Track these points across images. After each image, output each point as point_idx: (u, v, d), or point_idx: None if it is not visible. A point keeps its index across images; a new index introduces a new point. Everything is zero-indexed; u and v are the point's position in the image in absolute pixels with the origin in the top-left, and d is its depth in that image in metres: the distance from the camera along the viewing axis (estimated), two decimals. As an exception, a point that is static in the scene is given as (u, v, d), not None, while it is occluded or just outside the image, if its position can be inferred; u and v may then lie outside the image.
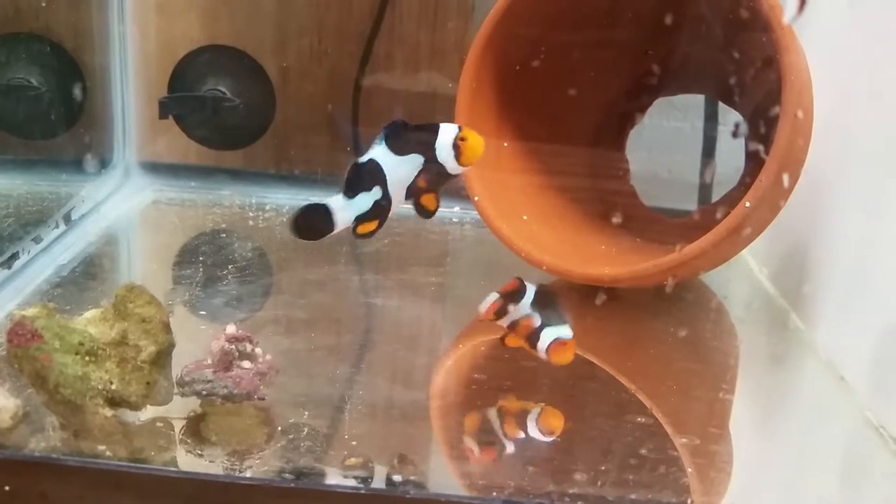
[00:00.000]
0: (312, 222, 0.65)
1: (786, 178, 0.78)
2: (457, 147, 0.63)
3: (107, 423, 0.61)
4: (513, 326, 0.69)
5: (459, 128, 0.64)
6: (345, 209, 0.64)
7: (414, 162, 0.64)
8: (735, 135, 0.96)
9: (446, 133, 0.64)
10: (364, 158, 0.64)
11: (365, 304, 0.91)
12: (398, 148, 0.64)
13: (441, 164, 0.64)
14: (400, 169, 0.64)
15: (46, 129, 1.06)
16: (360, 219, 0.65)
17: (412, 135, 0.64)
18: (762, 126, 0.80)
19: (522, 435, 0.65)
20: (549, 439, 0.64)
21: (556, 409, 0.68)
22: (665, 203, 1.04)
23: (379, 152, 0.64)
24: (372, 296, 0.93)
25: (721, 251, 0.83)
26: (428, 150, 0.63)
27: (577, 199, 1.00)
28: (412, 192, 0.65)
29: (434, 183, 0.64)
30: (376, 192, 0.64)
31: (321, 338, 0.79)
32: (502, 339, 0.70)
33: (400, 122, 0.64)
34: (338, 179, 1.11)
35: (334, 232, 0.65)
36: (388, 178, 0.64)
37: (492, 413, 0.68)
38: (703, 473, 0.63)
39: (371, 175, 0.64)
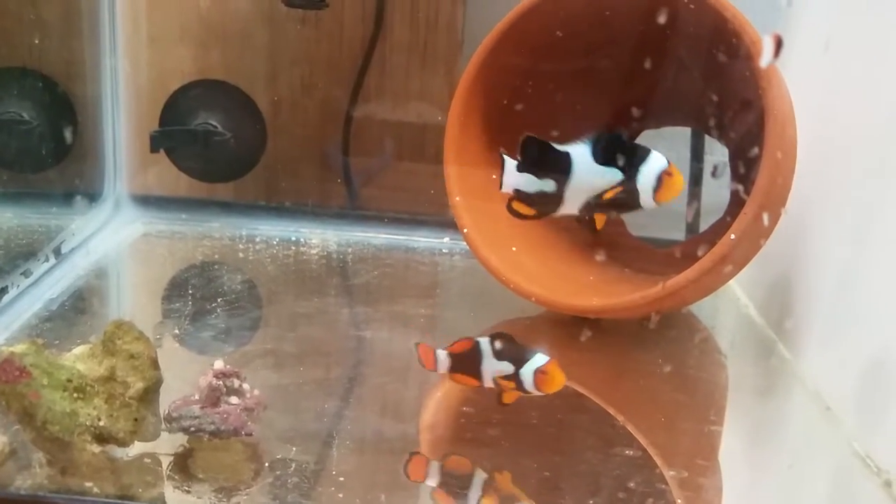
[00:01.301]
0: (500, 174, 0.61)
1: (769, 213, 0.79)
2: (660, 180, 0.59)
3: (94, 459, 0.61)
4: (497, 387, 0.68)
5: (669, 162, 0.59)
6: (512, 174, 0.61)
7: (609, 176, 0.60)
8: (714, 175, 0.97)
9: (655, 162, 0.59)
10: (561, 147, 0.59)
11: (355, 336, 0.91)
12: (601, 155, 0.59)
13: (636, 191, 0.59)
14: (590, 176, 0.60)
15: (37, 163, 1.06)
16: (522, 195, 0.61)
17: (621, 149, 0.59)
18: (747, 160, 0.81)
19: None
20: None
21: None
22: (653, 233, 1.05)
23: (579, 151, 0.60)
24: (362, 328, 0.93)
25: (706, 282, 0.84)
26: (630, 172, 0.59)
27: (565, 229, 1.01)
28: (590, 206, 0.61)
29: (616, 206, 0.60)
30: (548, 184, 0.60)
31: (310, 372, 0.79)
32: (498, 399, 0.68)
33: (616, 135, 0.60)
34: (327, 211, 1.14)
35: (501, 190, 0.61)
36: (571, 178, 0.60)
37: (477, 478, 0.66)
38: (691, 506, 0.63)
39: (552, 162, 0.59)
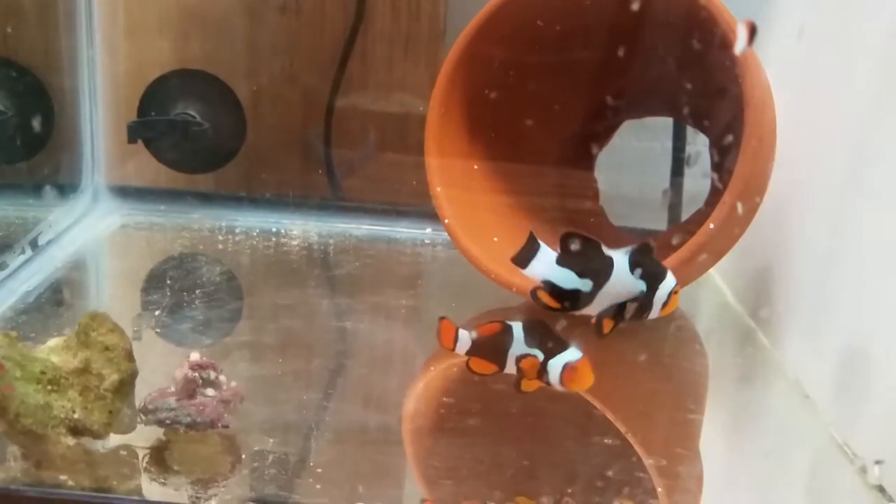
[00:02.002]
0: (522, 250, 0.63)
1: (747, 202, 0.79)
2: (670, 296, 0.64)
3: (69, 452, 0.61)
4: (519, 371, 0.64)
5: (677, 282, 0.64)
6: (546, 264, 0.62)
7: (634, 287, 0.63)
8: (688, 164, 0.97)
9: (670, 280, 0.64)
10: (606, 251, 0.62)
11: (335, 327, 0.91)
12: (634, 267, 0.63)
13: (651, 305, 0.64)
14: (623, 285, 0.63)
15: (13, 154, 1.05)
16: (550, 286, 0.63)
17: (647, 262, 0.63)
18: (727, 149, 0.81)
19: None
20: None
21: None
22: (635, 223, 1.05)
23: (619, 258, 0.63)
24: (343, 319, 0.92)
25: (685, 272, 0.84)
26: (651, 287, 0.63)
27: (547, 220, 1.01)
28: (609, 311, 0.64)
29: (630, 314, 0.64)
30: (586, 284, 0.62)
31: (289, 363, 0.79)
32: (517, 386, 0.65)
33: (650, 247, 0.64)
34: (309, 202, 1.13)
35: (523, 270, 0.63)
36: (608, 283, 0.62)
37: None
38: (670, 494, 0.64)
39: (597, 269, 0.62)
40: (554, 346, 0.63)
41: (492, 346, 0.65)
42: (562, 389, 0.63)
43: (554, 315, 0.66)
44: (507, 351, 0.64)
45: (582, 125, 1.03)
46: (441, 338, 0.67)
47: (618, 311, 0.64)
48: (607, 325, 0.64)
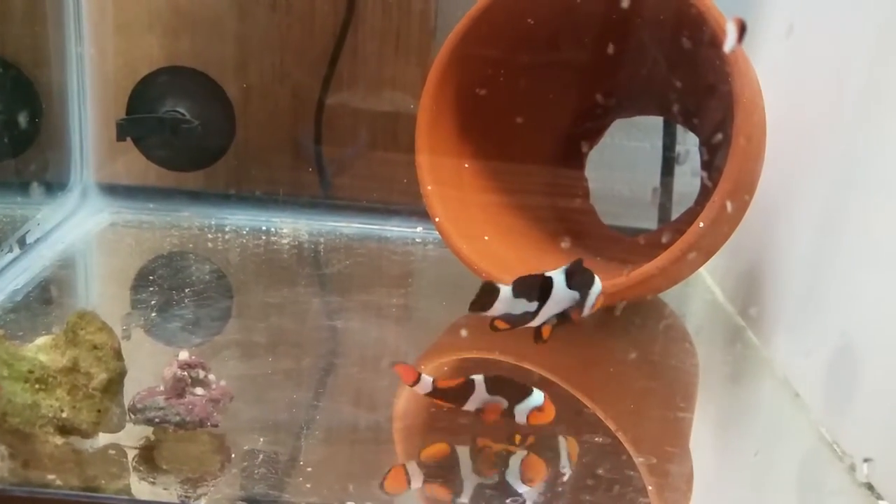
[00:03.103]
0: (481, 297, 0.70)
1: (737, 201, 0.79)
2: (596, 300, 0.73)
3: (57, 451, 0.60)
4: (481, 412, 0.68)
5: (601, 288, 0.74)
6: (505, 301, 0.70)
7: (571, 298, 0.73)
8: (677, 162, 0.97)
9: (596, 288, 0.74)
10: (547, 273, 0.72)
11: (326, 326, 0.90)
12: (569, 281, 0.72)
13: (583, 307, 0.73)
14: (562, 299, 0.72)
15: (1, 151, 1.04)
16: (506, 317, 0.71)
17: (579, 275, 0.73)
18: (716, 148, 0.81)
19: (496, 478, 0.63)
20: (528, 488, 0.63)
21: (538, 457, 0.66)
22: (625, 221, 1.05)
23: (558, 277, 0.72)
24: (333, 318, 0.92)
25: (675, 271, 0.84)
26: (583, 295, 0.73)
27: (538, 218, 1.01)
28: (549, 320, 0.73)
29: (563, 317, 0.73)
30: (533, 305, 0.71)
31: (279, 362, 0.78)
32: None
33: (581, 263, 0.73)
34: (299, 200, 1.12)
35: (486, 314, 0.70)
36: (549, 300, 0.72)
37: (462, 450, 0.66)
38: (660, 492, 0.64)
39: (542, 291, 0.71)
40: (517, 393, 0.68)
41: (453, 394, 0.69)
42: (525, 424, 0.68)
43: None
44: (466, 400, 0.68)
45: (572, 124, 1.03)
46: (402, 378, 0.70)
47: (559, 318, 0.73)
48: (546, 331, 0.73)
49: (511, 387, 0.68)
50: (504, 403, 0.67)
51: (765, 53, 0.81)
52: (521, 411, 0.67)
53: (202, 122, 1.10)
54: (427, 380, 0.68)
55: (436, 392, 0.68)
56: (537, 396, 0.67)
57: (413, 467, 0.65)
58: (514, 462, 0.65)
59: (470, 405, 0.68)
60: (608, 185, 1.06)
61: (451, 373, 0.80)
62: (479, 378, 0.68)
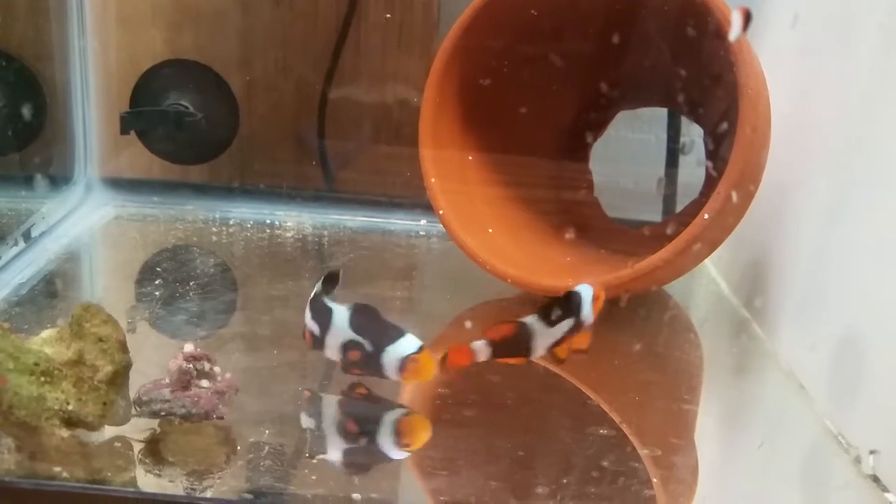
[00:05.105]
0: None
1: (742, 191, 0.79)
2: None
3: (63, 444, 0.61)
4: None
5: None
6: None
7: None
8: (682, 152, 0.97)
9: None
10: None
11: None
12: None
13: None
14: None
15: (5, 145, 1.04)
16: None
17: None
18: (721, 139, 0.81)
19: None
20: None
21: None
22: (630, 214, 1.05)
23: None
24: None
25: (680, 262, 0.84)
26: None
27: (542, 211, 1.01)
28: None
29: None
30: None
31: (284, 354, 0.78)
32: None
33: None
34: (303, 193, 1.12)
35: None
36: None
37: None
38: (665, 484, 0.64)
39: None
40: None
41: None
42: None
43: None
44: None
45: (576, 116, 1.03)
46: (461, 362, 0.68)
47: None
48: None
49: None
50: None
51: (770, 43, 0.81)
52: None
53: (206, 115, 1.10)
54: (480, 345, 0.66)
55: (497, 349, 0.67)
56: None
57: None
58: None
59: (535, 351, 0.66)
60: (612, 178, 1.06)
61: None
62: (529, 319, 0.66)
